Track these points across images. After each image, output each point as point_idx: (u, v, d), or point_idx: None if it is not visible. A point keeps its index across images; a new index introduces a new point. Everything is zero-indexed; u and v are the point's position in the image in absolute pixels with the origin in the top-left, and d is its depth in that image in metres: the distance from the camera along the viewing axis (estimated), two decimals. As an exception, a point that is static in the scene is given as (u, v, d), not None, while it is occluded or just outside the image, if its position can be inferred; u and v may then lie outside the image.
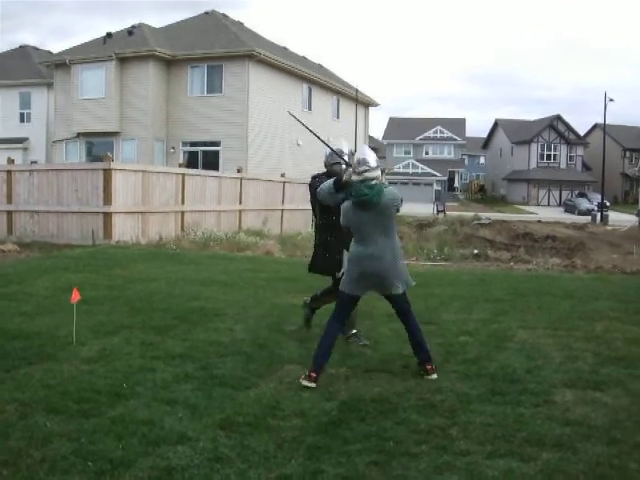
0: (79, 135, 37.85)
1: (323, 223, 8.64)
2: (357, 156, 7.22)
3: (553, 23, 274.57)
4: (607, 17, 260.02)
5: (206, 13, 43.04)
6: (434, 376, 7.07)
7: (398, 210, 7.15)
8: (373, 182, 6.96)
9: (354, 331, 8.50)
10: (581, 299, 12.02)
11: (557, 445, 5.26)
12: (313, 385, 6.67)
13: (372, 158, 7.14)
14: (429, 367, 7.14)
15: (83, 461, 4.80)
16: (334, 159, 8.28)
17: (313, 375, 6.74)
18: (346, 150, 7.49)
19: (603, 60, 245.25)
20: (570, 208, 78.54)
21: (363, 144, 7.72)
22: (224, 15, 43.44)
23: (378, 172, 7.10)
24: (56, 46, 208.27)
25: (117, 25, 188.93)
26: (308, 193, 8.80)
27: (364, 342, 8.46)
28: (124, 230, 21.04)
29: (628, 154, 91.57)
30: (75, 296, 8.23)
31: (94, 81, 36.87)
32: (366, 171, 6.99)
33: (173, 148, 37.12)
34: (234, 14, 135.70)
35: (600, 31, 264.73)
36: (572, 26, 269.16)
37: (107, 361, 7.47)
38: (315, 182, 8.40)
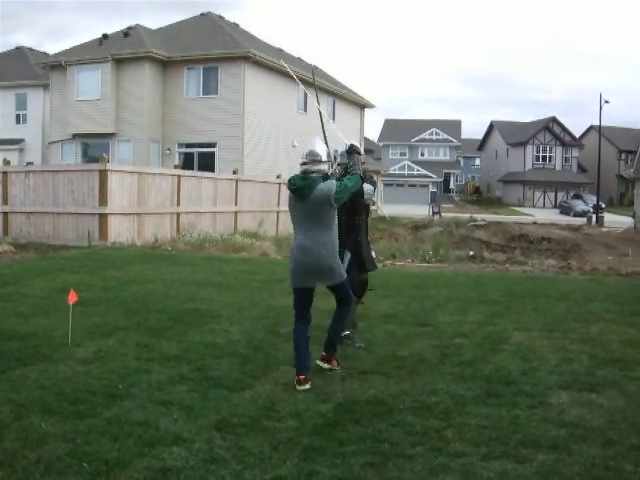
0: (75, 136, 37.77)
1: (354, 224, 8.65)
2: (309, 148, 7.29)
3: (549, 25, 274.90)
4: (603, 19, 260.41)
5: (202, 14, 42.98)
6: (324, 365, 7.31)
7: (332, 205, 7.02)
8: (313, 175, 7.03)
9: (347, 332, 8.44)
10: (576, 301, 12.04)
11: (552, 447, 5.27)
12: (307, 386, 6.69)
13: (322, 150, 7.24)
14: (323, 354, 7.37)
15: (78, 462, 4.80)
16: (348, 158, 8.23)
17: (302, 378, 6.77)
18: (321, 150, 7.37)
19: (599, 62, 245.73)
20: (565, 210, 78.63)
21: (315, 136, 7.80)
22: (220, 17, 43.40)
23: (321, 166, 7.16)
24: (53, 47, 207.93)
25: (116, 26, 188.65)
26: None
27: (358, 344, 8.45)
28: (120, 231, 21.03)
29: (623, 156, 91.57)
30: (72, 297, 8.23)
31: (90, 82, 36.79)
32: (305, 164, 7.12)
33: (169, 149, 37.07)
34: (230, 15, 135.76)
35: (596, 33, 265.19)
36: (568, 28, 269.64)
37: (102, 362, 7.48)
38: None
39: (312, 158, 7.13)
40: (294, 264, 7.19)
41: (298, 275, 7.16)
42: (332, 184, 7.02)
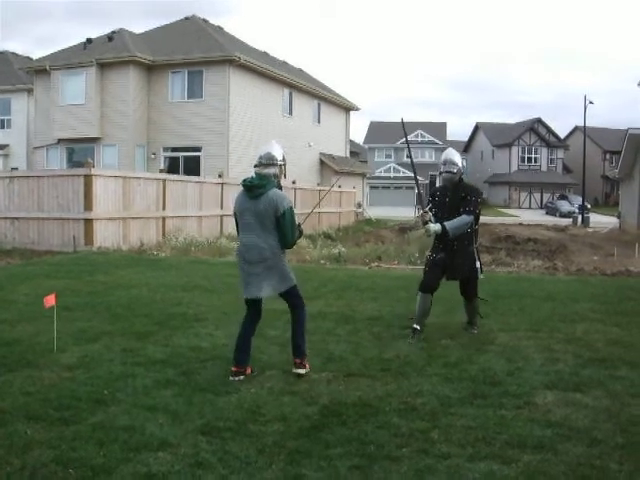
0: (60, 141, 37.66)
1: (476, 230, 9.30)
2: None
3: (535, 28, 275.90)
4: (588, 22, 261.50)
5: (186, 18, 42.87)
6: (301, 370, 7.30)
7: (278, 220, 7.16)
8: (266, 177, 7.29)
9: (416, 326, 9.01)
10: (562, 301, 12.08)
11: (538, 447, 5.28)
12: (241, 377, 7.06)
13: (279, 154, 7.47)
14: (297, 361, 7.38)
15: (64, 468, 4.79)
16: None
17: (234, 369, 7.14)
18: (278, 153, 7.50)
19: (584, 64, 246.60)
20: (551, 210, 78.92)
21: (273, 140, 8.07)
22: (204, 20, 43.34)
23: (272, 169, 7.37)
24: (41, 54, 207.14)
25: (102, 32, 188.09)
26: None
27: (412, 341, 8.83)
28: (105, 236, 20.98)
29: (608, 156, 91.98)
30: (49, 300, 8.12)
31: (74, 87, 36.68)
32: (258, 165, 7.39)
33: (154, 154, 37.01)
34: (217, 22, 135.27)
35: (581, 35, 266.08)
36: (553, 31, 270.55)
37: (88, 368, 7.45)
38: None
39: (268, 161, 7.35)
40: (238, 264, 7.43)
41: (244, 273, 7.33)
42: (284, 202, 7.18)
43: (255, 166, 7.40)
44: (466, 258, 9.17)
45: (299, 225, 7.51)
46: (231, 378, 7.06)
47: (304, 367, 7.34)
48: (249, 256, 7.21)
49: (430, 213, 9.08)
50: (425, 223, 8.97)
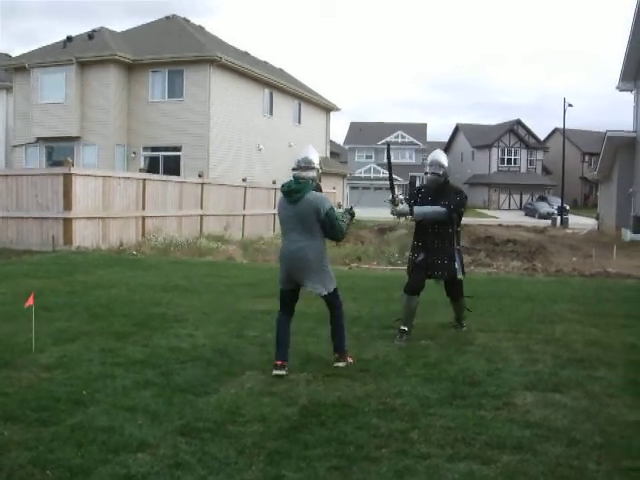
0: (39, 140, 37.43)
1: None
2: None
3: (515, 30, 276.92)
4: (572, 25, 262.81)
5: (167, 18, 42.68)
6: (341, 364, 7.57)
7: (320, 220, 7.37)
8: (304, 180, 7.49)
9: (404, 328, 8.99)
10: (541, 302, 12.14)
11: (517, 447, 5.29)
12: (283, 372, 7.19)
13: (316, 158, 7.68)
14: (336, 356, 7.71)
15: (41, 470, 4.74)
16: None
17: (277, 363, 7.29)
18: (314, 157, 7.66)
19: (566, 66, 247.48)
20: (530, 212, 79.26)
21: (309, 144, 8.24)
22: (185, 19, 43.21)
23: (311, 172, 7.57)
24: (21, 51, 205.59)
25: (82, 30, 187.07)
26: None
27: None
28: (85, 236, 20.88)
29: (587, 158, 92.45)
30: (29, 301, 8.08)
31: (54, 85, 36.45)
32: (296, 169, 7.56)
33: (134, 153, 36.86)
34: (199, 22, 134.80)
35: (564, 38, 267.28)
36: (534, 32, 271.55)
37: (66, 368, 7.40)
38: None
39: (306, 165, 7.55)
40: (281, 266, 7.67)
41: (284, 277, 7.63)
42: (325, 203, 7.38)
43: (293, 169, 7.62)
44: (445, 258, 9.19)
45: (351, 208, 7.96)
46: (274, 372, 7.23)
47: (344, 360, 7.66)
48: (292, 258, 7.50)
49: (402, 197, 9.16)
50: (395, 204, 9.00)
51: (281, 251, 7.74)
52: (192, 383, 6.91)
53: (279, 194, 7.96)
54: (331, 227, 7.42)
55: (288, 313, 7.73)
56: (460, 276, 9.46)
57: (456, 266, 9.26)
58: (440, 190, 9.21)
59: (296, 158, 7.66)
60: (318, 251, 7.46)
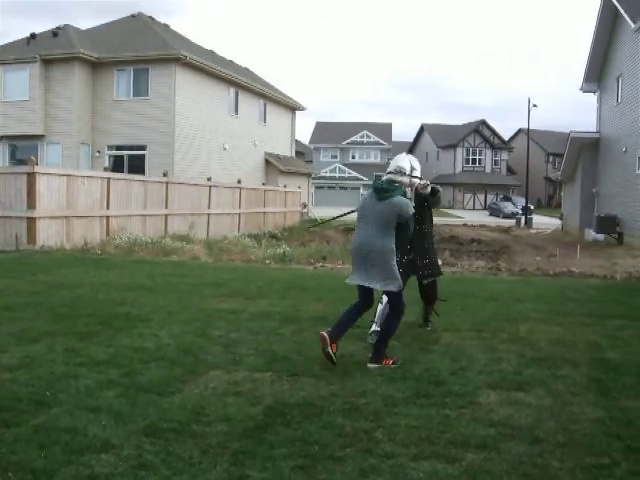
0: (2, 138, 37.09)
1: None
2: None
3: (481, 31, 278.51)
4: (538, 27, 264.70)
5: (132, 16, 42.52)
6: (373, 365, 7.71)
7: (400, 225, 7.80)
8: (396, 184, 8.10)
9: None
10: (505, 301, 12.23)
11: (481, 446, 5.32)
12: (327, 349, 7.57)
13: (407, 166, 8.59)
14: (369, 356, 7.92)
15: (3, 472, 4.68)
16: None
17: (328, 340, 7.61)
18: (406, 165, 8.54)
19: (531, 67, 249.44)
20: (495, 211, 79.85)
21: (402, 153, 9.00)
22: (151, 18, 43.07)
23: (404, 178, 8.41)
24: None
25: (46, 27, 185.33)
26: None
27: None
28: (48, 235, 20.70)
29: (551, 158, 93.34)
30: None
31: (17, 83, 36.15)
32: (391, 173, 8.41)
33: (99, 152, 36.64)
34: (168, 21, 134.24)
35: (530, 39, 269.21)
36: (502, 34, 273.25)
37: (29, 368, 7.32)
38: None
39: (398, 169, 8.43)
40: (354, 258, 8.08)
41: (354, 268, 8.05)
42: (408, 208, 7.81)
43: (388, 172, 8.45)
44: (427, 258, 9.40)
45: (437, 186, 9.28)
46: (323, 347, 7.59)
47: (378, 362, 7.74)
48: (360, 249, 7.87)
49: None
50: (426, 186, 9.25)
51: (353, 240, 8.20)
52: (156, 383, 6.86)
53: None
54: (405, 229, 7.87)
55: (362, 302, 8.09)
56: (427, 280, 9.66)
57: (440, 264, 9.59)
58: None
59: (392, 164, 8.55)
60: (386, 248, 7.71)
